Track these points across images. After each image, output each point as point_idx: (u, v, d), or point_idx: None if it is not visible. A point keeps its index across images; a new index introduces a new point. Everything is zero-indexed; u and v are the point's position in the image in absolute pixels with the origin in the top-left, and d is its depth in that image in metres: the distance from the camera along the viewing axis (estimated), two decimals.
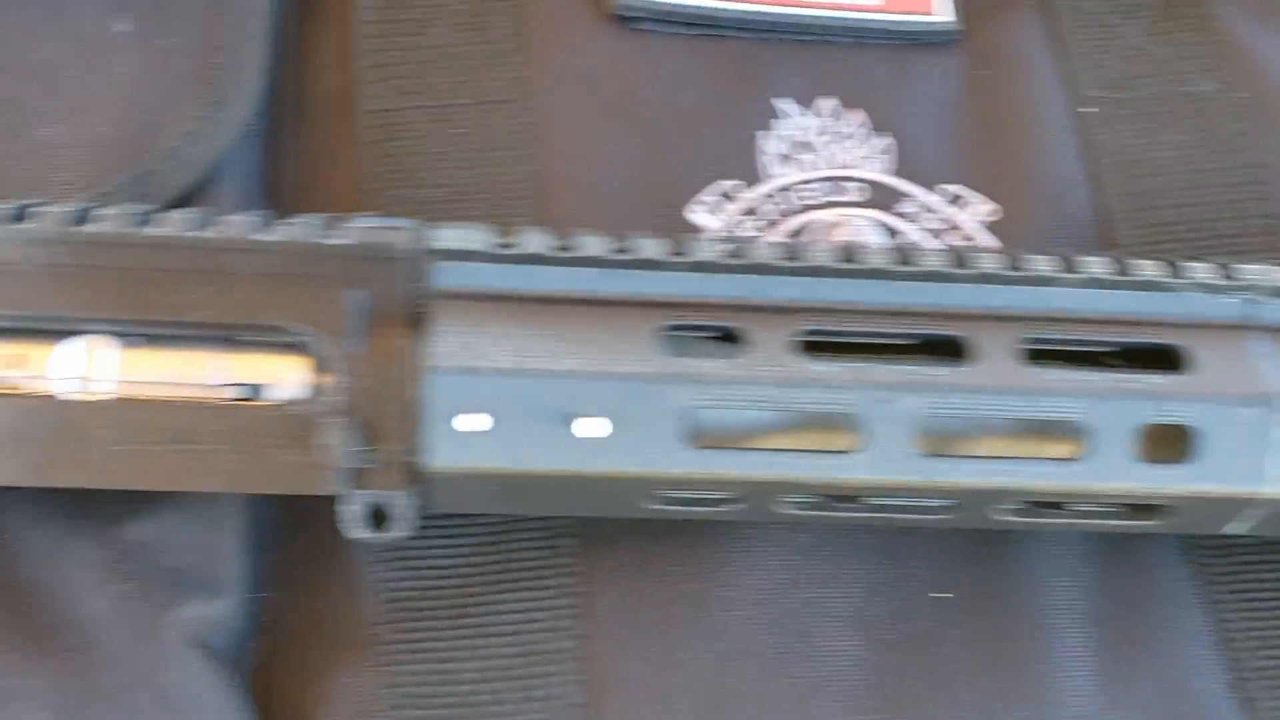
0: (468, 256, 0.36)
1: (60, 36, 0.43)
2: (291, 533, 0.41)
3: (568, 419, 0.35)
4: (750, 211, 0.45)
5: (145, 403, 0.35)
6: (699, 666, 0.39)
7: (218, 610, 0.39)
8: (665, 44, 0.47)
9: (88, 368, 0.35)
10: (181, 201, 0.42)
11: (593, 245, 0.36)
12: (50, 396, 0.35)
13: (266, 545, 0.41)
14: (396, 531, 0.37)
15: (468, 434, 0.35)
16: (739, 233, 0.45)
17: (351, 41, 0.46)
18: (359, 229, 0.36)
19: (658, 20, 0.47)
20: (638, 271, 0.36)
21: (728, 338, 0.37)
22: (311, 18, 0.47)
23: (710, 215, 0.45)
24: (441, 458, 0.35)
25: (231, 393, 0.36)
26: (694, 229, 0.45)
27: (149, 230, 0.35)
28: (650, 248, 0.36)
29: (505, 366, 0.35)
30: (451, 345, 0.35)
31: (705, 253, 0.36)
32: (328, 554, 0.41)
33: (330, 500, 0.40)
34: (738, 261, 0.36)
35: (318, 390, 0.36)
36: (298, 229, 0.35)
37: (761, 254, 0.36)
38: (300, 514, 0.41)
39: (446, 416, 0.35)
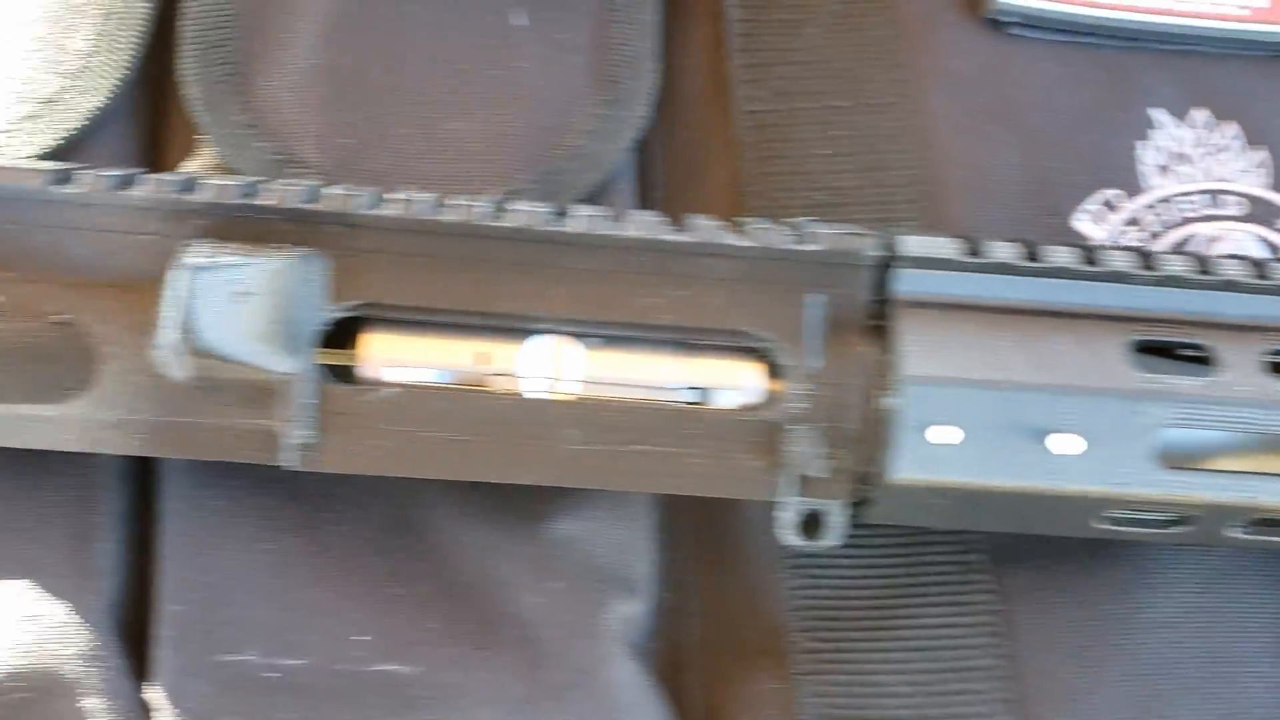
0: (934, 264, 0.35)
1: (463, 29, 0.43)
2: (682, 535, 0.41)
3: (1041, 435, 0.34)
4: (1133, 222, 0.45)
5: (609, 403, 0.35)
6: (1121, 690, 0.39)
7: (635, 610, 0.39)
8: (1038, 50, 0.46)
9: (555, 367, 0.35)
10: (585, 202, 0.42)
11: (1061, 255, 0.36)
12: (518, 394, 0.35)
13: (660, 546, 0.41)
14: (829, 540, 0.36)
15: (937, 446, 0.34)
16: (1123, 243, 0.44)
17: (723, 41, 0.46)
18: (828, 235, 0.35)
19: (1031, 25, 0.46)
20: (1106, 284, 0.35)
21: (1160, 351, 0.36)
22: (679, 15, 0.46)
23: (1094, 224, 0.44)
24: (907, 470, 0.35)
25: (686, 396, 0.36)
26: (1080, 238, 0.44)
27: (626, 232, 0.35)
28: (1119, 259, 0.36)
29: (978, 378, 0.34)
30: (923, 354, 0.35)
31: (1174, 267, 0.36)
32: (728, 558, 0.41)
33: (727, 503, 0.40)
34: (1207, 277, 0.35)
35: (776, 397, 0.36)
36: (768, 234, 0.35)
37: (1229, 270, 0.36)
38: (692, 516, 0.42)
39: (919, 428, 0.34)
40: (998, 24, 0.46)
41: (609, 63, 0.43)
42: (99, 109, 0.41)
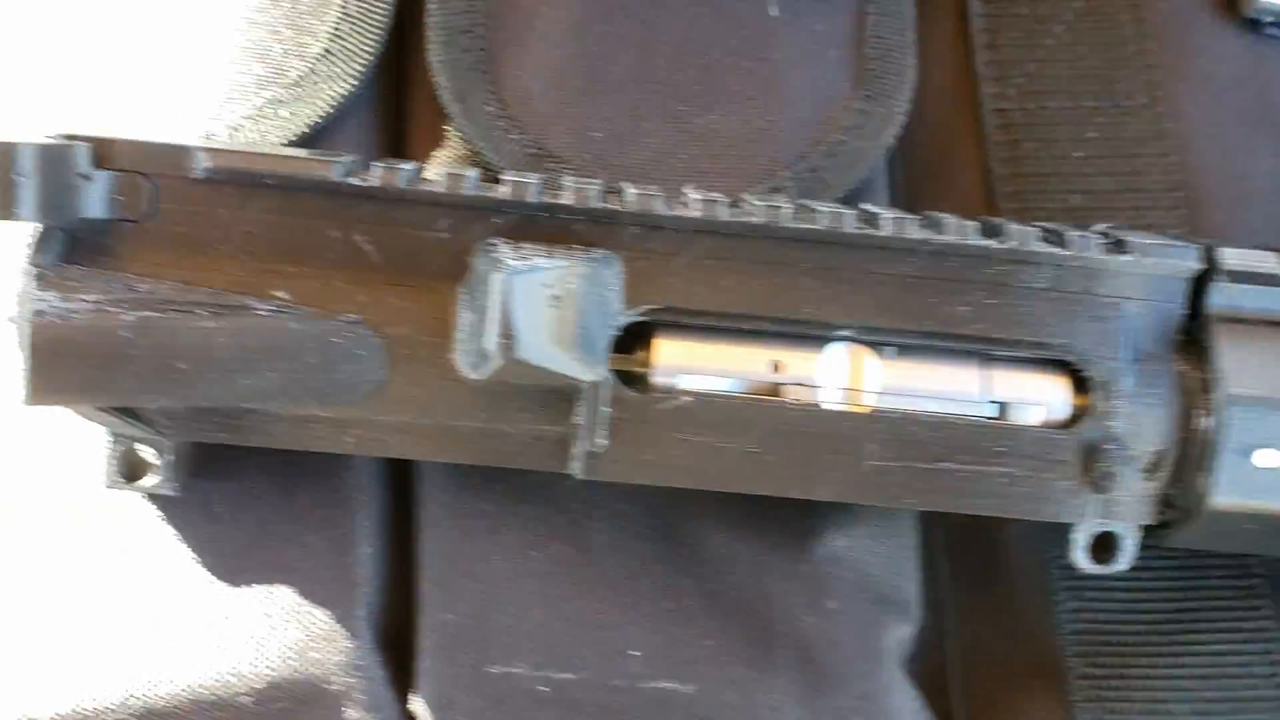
0: (1253, 279, 0.34)
1: (715, 18, 0.41)
2: (936, 552, 0.40)
3: None
4: None
5: (912, 417, 0.34)
6: None
7: (907, 632, 0.38)
8: None
9: (853, 377, 0.34)
10: (845, 201, 0.40)
11: None
12: (816, 405, 0.34)
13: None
14: (1120, 565, 0.35)
15: (1261, 470, 0.33)
16: None
17: (967, 37, 0.44)
18: (1147, 245, 0.34)
19: None
20: None
21: None
22: (921, 10, 0.44)
23: None
24: (1228, 494, 0.33)
25: (985, 410, 0.34)
26: None
27: (940, 236, 0.33)
28: None
29: None
30: (1245, 373, 0.33)
31: None
32: (989, 577, 0.40)
33: (988, 520, 0.38)
34: None
35: (1086, 413, 0.34)
36: (1084, 242, 0.34)
37: None
38: (946, 532, 0.40)
39: (1243, 451, 0.33)
40: (1254, 24, 0.45)
41: (868, 56, 0.42)
42: (346, 95, 0.39)
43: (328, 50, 0.40)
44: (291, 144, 0.39)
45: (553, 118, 0.40)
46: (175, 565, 0.36)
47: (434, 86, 0.40)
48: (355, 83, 0.39)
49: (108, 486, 0.35)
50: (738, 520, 0.37)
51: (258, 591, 0.36)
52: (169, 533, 0.36)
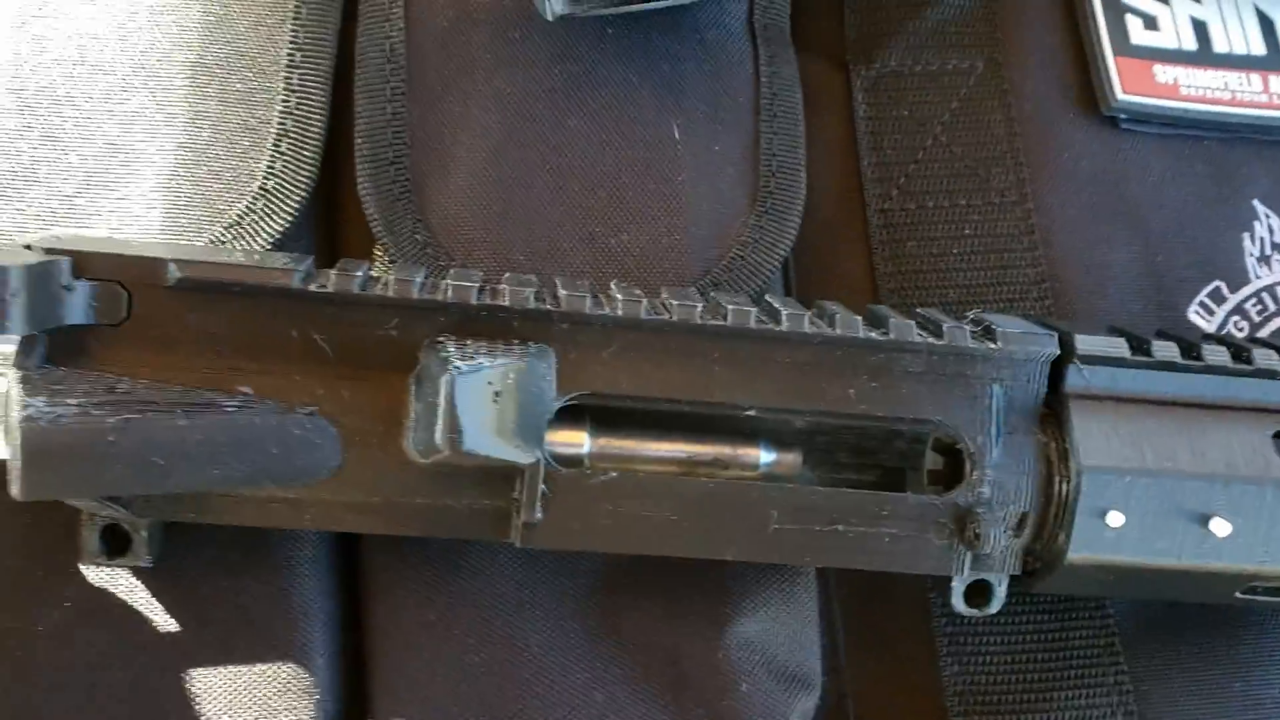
0: (1105, 361, 0.43)
1: (622, 143, 0.49)
2: (832, 620, 0.48)
3: (1197, 518, 0.42)
4: (1237, 312, 0.52)
5: (804, 487, 0.42)
6: None
7: (811, 704, 0.46)
8: (1148, 144, 0.54)
9: (756, 453, 0.42)
10: None
11: (1217, 354, 0.43)
12: (724, 478, 0.42)
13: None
14: (992, 609, 0.44)
15: (1110, 529, 0.42)
16: (1232, 334, 0.52)
17: (853, 141, 0.53)
18: (1010, 333, 0.42)
19: (1144, 120, 0.54)
20: (1254, 380, 0.43)
21: None
22: (808, 116, 0.53)
23: (1203, 318, 0.52)
24: (1083, 550, 0.42)
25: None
26: (1196, 330, 0.52)
27: (831, 330, 0.41)
28: (1263, 358, 0.43)
29: (1144, 467, 0.42)
30: (1097, 445, 0.42)
31: None
32: (882, 641, 0.48)
33: (875, 590, 0.46)
34: None
35: (959, 480, 0.42)
36: (956, 332, 0.42)
37: None
38: (840, 602, 0.49)
39: (1095, 513, 0.42)
40: (1112, 121, 0.54)
41: (763, 174, 0.50)
42: (284, 230, 0.46)
43: (264, 188, 0.46)
44: None
45: (476, 243, 0.48)
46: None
47: (365, 216, 0.47)
48: (292, 218, 0.46)
49: (86, 563, 0.41)
50: (657, 612, 0.45)
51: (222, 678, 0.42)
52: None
